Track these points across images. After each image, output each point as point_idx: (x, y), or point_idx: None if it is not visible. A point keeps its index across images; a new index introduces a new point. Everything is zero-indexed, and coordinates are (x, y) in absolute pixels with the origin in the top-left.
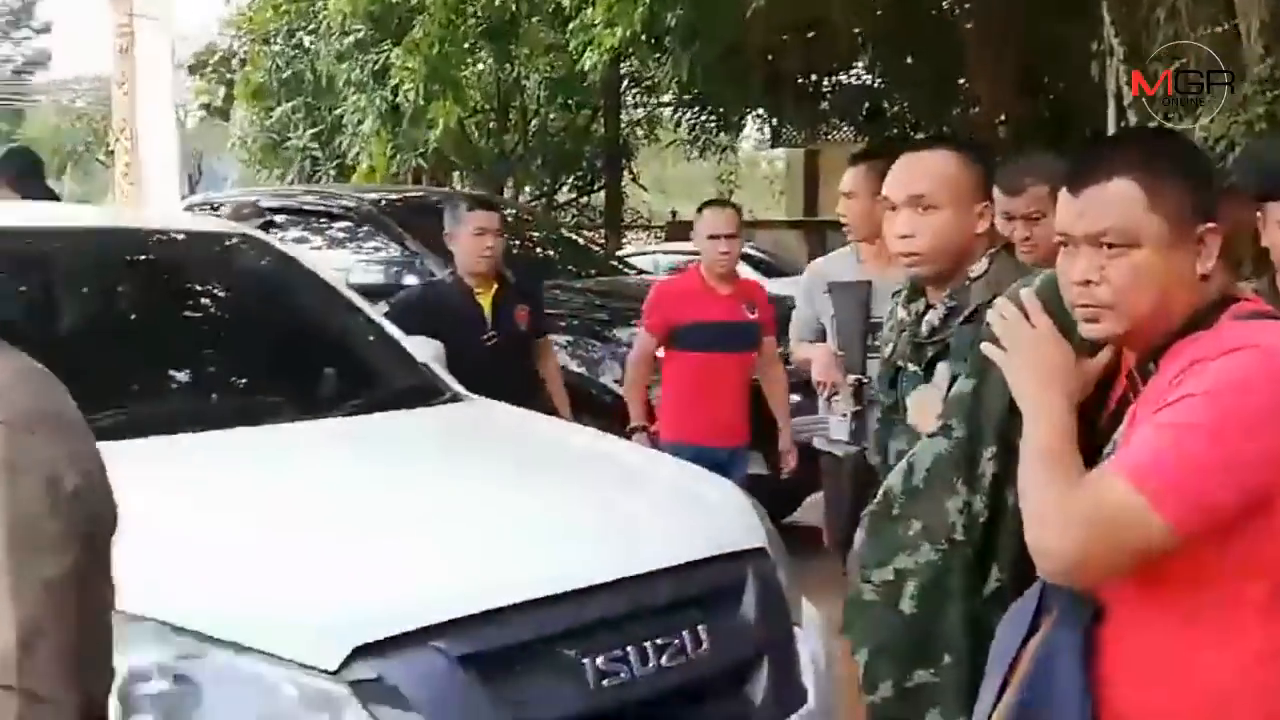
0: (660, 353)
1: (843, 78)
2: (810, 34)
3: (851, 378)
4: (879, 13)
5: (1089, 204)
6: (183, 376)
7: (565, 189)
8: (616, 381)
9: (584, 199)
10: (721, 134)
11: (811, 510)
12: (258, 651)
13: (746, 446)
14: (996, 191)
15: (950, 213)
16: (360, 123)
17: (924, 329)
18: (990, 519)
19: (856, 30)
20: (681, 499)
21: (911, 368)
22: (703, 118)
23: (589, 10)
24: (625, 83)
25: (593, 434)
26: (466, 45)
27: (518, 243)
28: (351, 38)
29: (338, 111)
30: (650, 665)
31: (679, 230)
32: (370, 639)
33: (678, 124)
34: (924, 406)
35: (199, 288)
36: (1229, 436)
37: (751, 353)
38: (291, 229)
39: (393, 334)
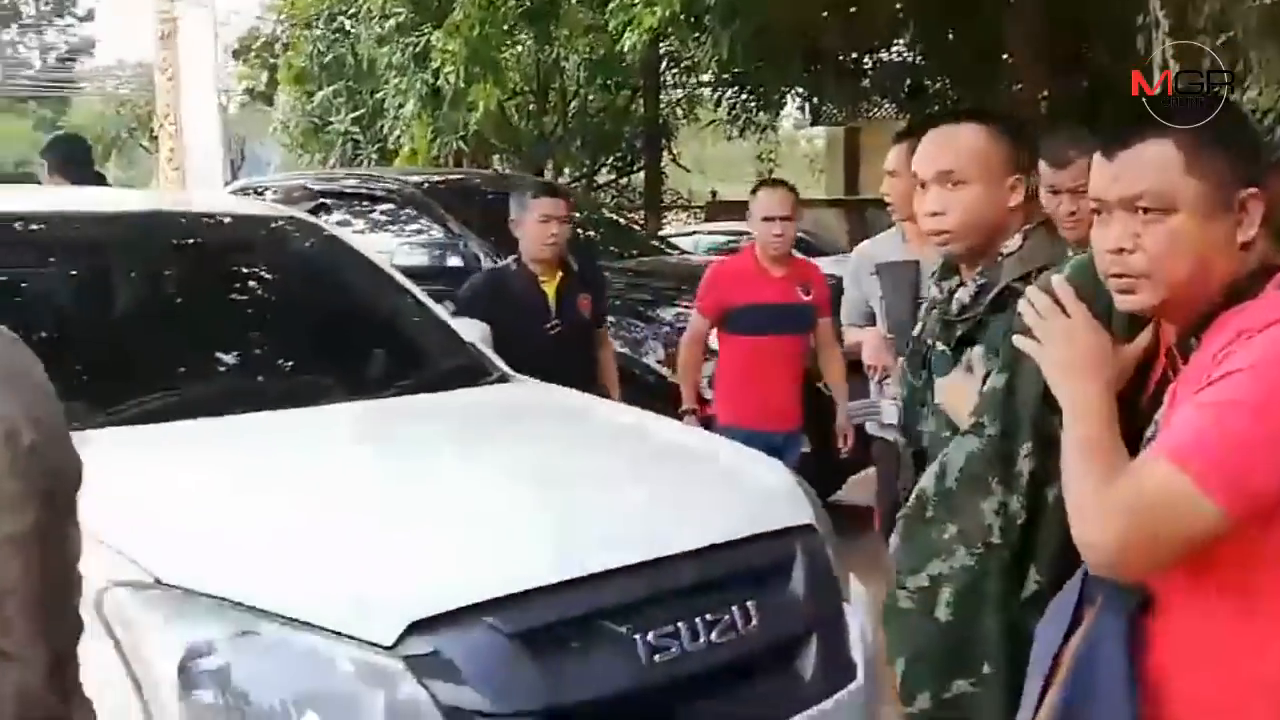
0: (714, 336)
1: (884, 55)
2: (851, 10)
3: (902, 360)
4: None
5: (1124, 167)
6: (233, 358)
7: (605, 170)
8: (659, 362)
9: (624, 180)
10: (761, 113)
11: (856, 489)
12: (314, 626)
13: (800, 430)
14: (1042, 165)
15: (981, 188)
16: (401, 106)
17: (954, 307)
18: (1029, 519)
19: (898, 6)
20: (730, 477)
21: (940, 347)
22: (742, 97)
23: None
24: (664, 63)
25: (641, 414)
26: (506, 27)
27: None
28: (392, 21)
29: (379, 95)
30: (701, 641)
31: (719, 210)
32: (425, 614)
33: (717, 103)
34: (959, 393)
35: (248, 270)
36: (1274, 412)
37: (805, 335)
38: (336, 212)
39: (440, 315)
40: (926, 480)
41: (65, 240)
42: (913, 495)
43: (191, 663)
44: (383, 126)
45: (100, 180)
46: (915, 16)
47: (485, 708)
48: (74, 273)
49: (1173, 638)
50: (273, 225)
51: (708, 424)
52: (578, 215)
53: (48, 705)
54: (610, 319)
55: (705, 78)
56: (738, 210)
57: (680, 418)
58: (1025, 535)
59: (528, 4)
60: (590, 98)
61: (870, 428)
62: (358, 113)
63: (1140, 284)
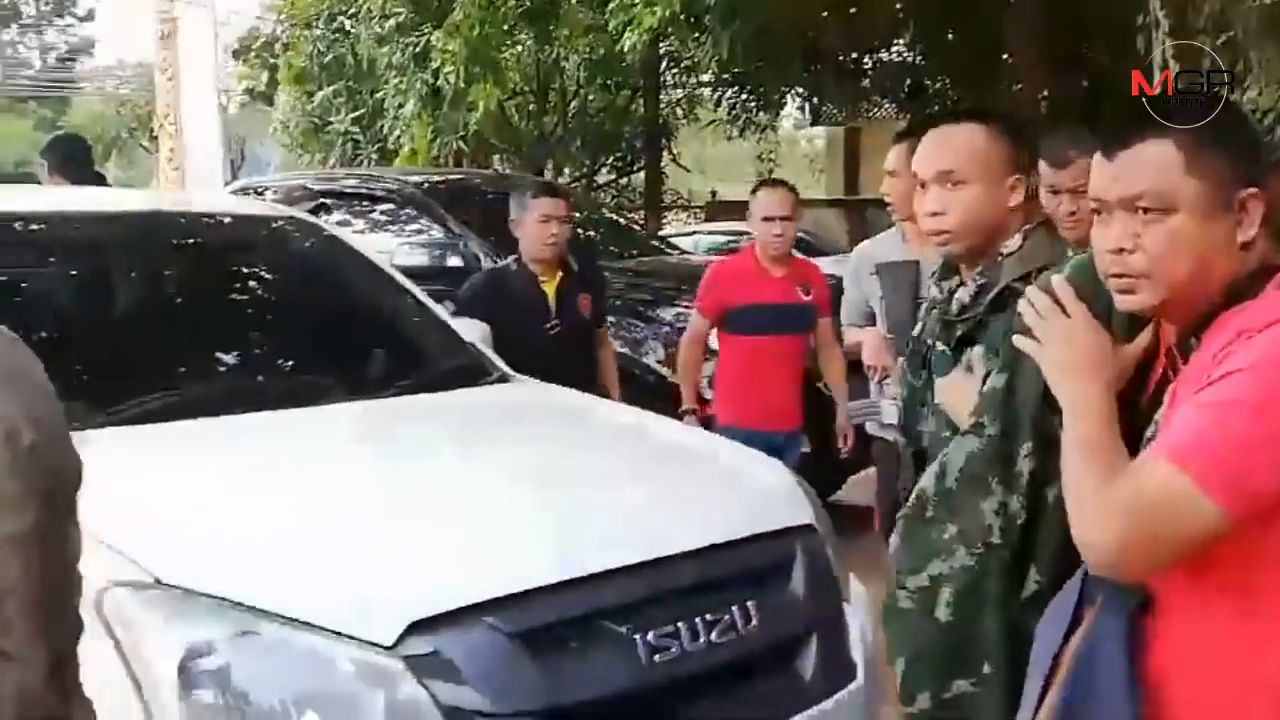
0: (714, 336)
1: (884, 55)
2: (851, 10)
3: (902, 361)
4: None
5: (1124, 167)
6: (234, 358)
7: (605, 170)
8: (659, 362)
9: (624, 180)
10: (761, 113)
11: (856, 489)
12: (314, 626)
13: (800, 430)
14: (1042, 165)
15: (980, 188)
16: (401, 106)
17: (954, 307)
18: (1029, 519)
19: (898, 6)
20: (730, 477)
21: (940, 347)
22: (742, 97)
23: None
24: (664, 63)
25: (640, 413)
26: (506, 27)
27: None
28: (392, 21)
29: (379, 95)
30: (701, 641)
31: (719, 210)
32: (425, 614)
33: (717, 103)
34: (959, 393)
35: (248, 270)
36: (1274, 412)
37: (805, 335)
38: (336, 212)
39: (440, 315)
40: (926, 480)
41: (66, 240)
42: (913, 495)
43: (191, 663)
44: (383, 126)
45: (100, 180)
46: (915, 16)
47: (485, 708)
48: (74, 273)
49: (1173, 638)
50: (273, 225)
51: (708, 424)
52: (578, 215)
53: (48, 705)
54: (610, 319)
55: (705, 78)
56: (737, 210)
57: (680, 418)
58: (1025, 535)
59: (528, 4)
60: (590, 98)
61: (870, 428)
62: (358, 113)
63: (1140, 284)
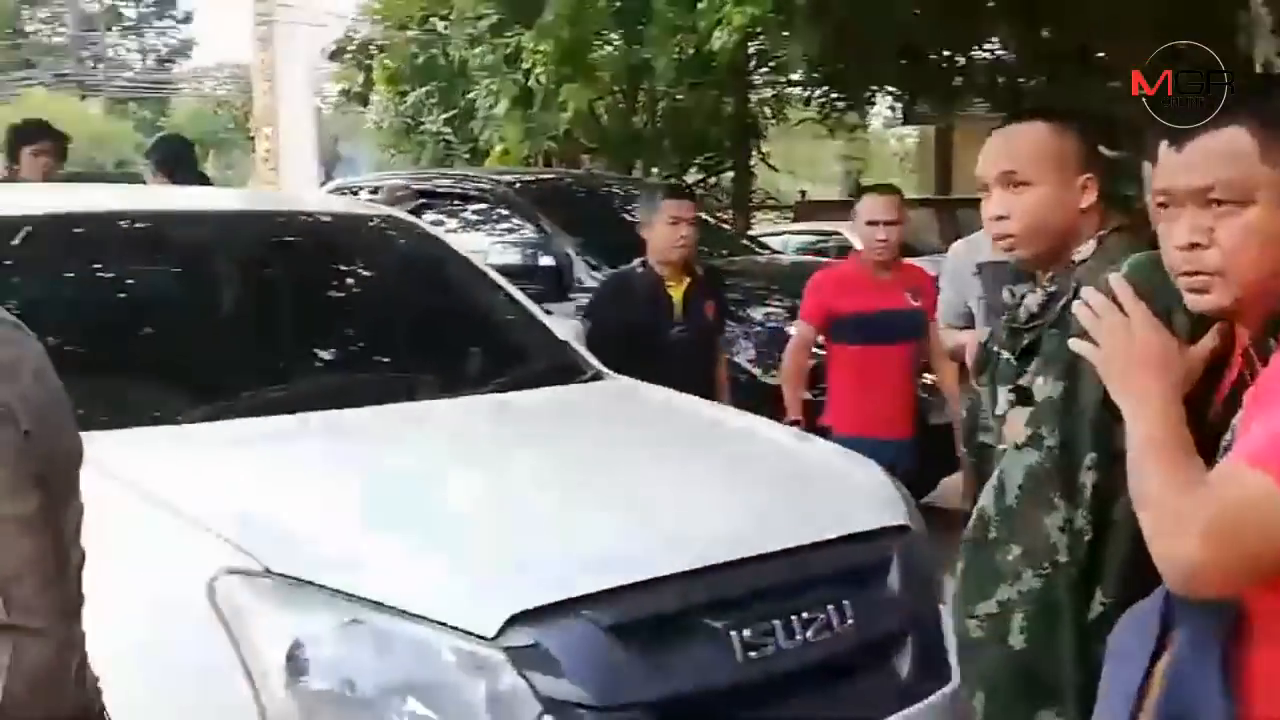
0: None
1: (977, 52)
2: (944, 7)
3: None
4: None
5: (1194, 156)
6: (336, 355)
7: (694, 169)
8: (750, 361)
9: (712, 179)
10: (851, 112)
11: (948, 492)
12: (418, 617)
13: (913, 439)
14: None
15: (1046, 189)
16: (492, 107)
17: (1022, 314)
18: (1095, 536)
19: (991, 3)
20: (825, 477)
21: (1005, 355)
22: (832, 95)
23: None
24: (753, 61)
25: (736, 413)
26: (596, 28)
27: None
28: (484, 22)
29: (470, 96)
30: (796, 639)
31: (807, 210)
32: (526, 606)
33: (807, 102)
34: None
35: (348, 268)
36: None
37: (914, 342)
38: (430, 211)
39: (535, 313)
40: (986, 498)
41: (173, 239)
42: (973, 515)
43: (299, 650)
44: (474, 127)
45: (204, 180)
46: (1010, 13)
47: (582, 699)
48: (181, 271)
49: (1266, 666)
50: (372, 224)
51: (824, 434)
52: None
53: (62, 680)
54: None
55: (795, 76)
56: (826, 210)
57: None
58: (1091, 553)
59: (618, 4)
60: (679, 97)
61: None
62: (450, 113)
63: (1214, 282)
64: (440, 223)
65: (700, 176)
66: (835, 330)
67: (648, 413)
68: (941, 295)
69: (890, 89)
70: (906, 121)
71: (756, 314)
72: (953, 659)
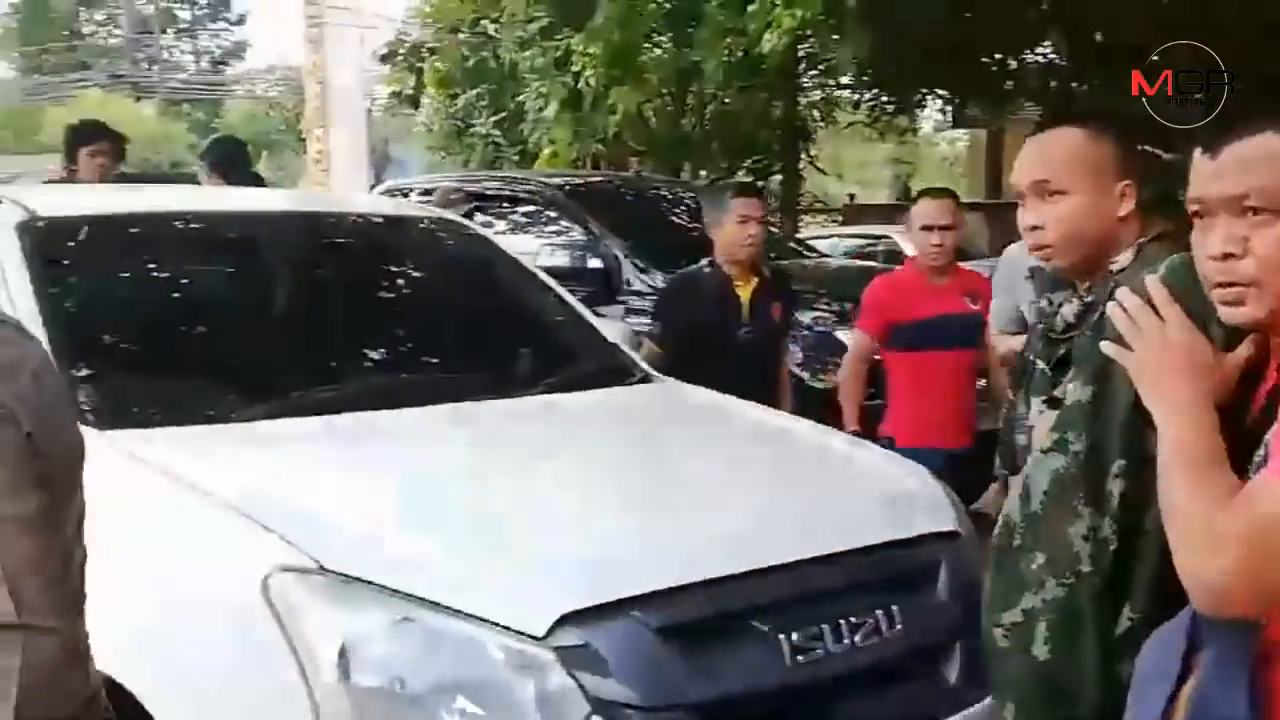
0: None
1: (1028, 55)
2: (995, 10)
3: None
4: None
5: (1228, 163)
6: (388, 356)
7: (742, 172)
8: (798, 365)
9: (761, 182)
10: (901, 115)
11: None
12: (469, 616)
13: (972, 448)
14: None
15: (1082, 198)
16: (542, 109)
17: (1058, 323)
18: (1121, 546)
19: (1044, 6)
20: (875, 481)
21: (1040, 364)
22: (881, 99)
23: None
24: (803, 64)
25: (785, 416)
26: (646, 31)
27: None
28: (534, 25)
29: (520, 98)
30: (845, 643)
31: (856, 214)
32: (575, 607)
33: (856, 105)
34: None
35: (400, 269)
36: None
37: (973, 348)
38: (480, 213)
39: (584, 315)
40: (1011, 505)
41: (227, 239)
42: (999, 522)
43: (352, 647)
44: (523, 129)
45: (258, 181)
46: (1062, 16)
47: (631, 700)
48: (235, 270)
49: None
50: (422, 225)
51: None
52: None
53: (69, 676)
54: None
55: (844, 79)
56: (874, 214)
57: None
58: (1117, 565)
59: (667, 7)
60: (728, 100)
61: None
62: (499, 115)
63: (1248, 294)
64: (489, 224)
65: (749, 179)
66: (893, 338)
67: (697, 415)
68: (994, 301)
69: (940, 92)
70: (956, 125)
71: (805, 318)
72: None
